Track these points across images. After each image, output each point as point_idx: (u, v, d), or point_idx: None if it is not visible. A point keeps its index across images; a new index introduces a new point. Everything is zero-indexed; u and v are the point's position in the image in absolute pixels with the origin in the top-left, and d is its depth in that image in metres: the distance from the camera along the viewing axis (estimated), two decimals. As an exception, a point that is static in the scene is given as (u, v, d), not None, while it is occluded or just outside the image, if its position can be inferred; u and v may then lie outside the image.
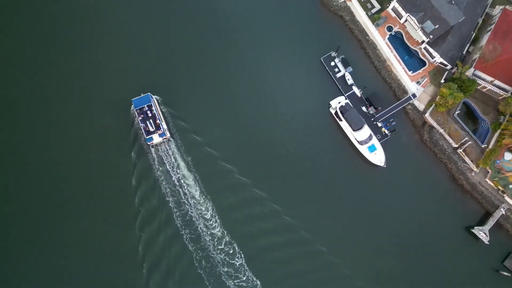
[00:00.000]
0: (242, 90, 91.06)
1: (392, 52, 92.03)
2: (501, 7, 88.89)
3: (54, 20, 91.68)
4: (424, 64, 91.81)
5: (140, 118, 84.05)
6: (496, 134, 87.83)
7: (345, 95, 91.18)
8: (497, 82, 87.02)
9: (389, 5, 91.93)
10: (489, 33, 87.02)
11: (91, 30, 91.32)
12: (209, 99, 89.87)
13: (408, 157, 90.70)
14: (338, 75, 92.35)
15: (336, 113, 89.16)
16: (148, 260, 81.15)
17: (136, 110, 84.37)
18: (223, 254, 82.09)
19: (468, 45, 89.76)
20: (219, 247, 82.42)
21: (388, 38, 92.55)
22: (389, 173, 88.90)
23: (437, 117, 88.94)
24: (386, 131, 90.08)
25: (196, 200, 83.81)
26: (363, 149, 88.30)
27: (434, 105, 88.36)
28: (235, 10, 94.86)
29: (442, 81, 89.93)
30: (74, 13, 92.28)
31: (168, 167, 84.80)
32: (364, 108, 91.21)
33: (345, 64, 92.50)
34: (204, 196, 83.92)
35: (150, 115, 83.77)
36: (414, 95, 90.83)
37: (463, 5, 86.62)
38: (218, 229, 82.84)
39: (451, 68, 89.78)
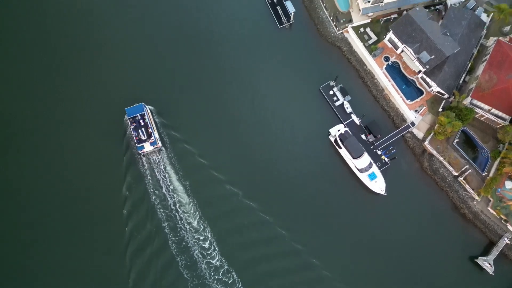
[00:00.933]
0: (240, 112, 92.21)
1: (389, 81, 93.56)
2: (494, 38, 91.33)
3: (51, 31, 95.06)
4: (421, 93, 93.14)
5: (132, 126, 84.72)
6: (496, 162, 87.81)
7: (344, 123, 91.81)
8: (494, 110, 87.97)
9: (386, 36, 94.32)
10: (484, 63, 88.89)
11: (89, 41, 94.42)
12: (205, 114, 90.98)
13: (408, 185, 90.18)
14: (337, 103, 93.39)
15: (335, 140, 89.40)
16: (134, 265, 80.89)
17: (129, 118, 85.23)
18: (200, 249, 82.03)
19: (464, 74, 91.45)
20: (204, 246, 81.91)
21: (386, 68, 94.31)
22: (390, 201, 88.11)
23: (436, 145, 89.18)
24: (386, 159, 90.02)
25: (185, 210, 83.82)
26: (364, 177, 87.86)
27: (433, 133, 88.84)
28: (234, 37, 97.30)
29: (440, 109, 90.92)
30: (72, 24, 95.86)
31: (158, 176, 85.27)
32: (363, 136, 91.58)
33: (344, 93, 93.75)
34: (194, 206, 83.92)
35: (142, 124, 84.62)
36: (412, 123, 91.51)
37: (458, 36, 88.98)
38: (207, 242, 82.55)
39: (448, 97, 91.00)
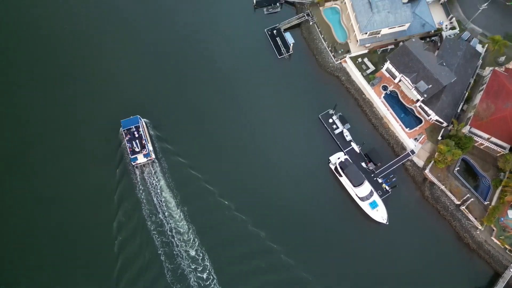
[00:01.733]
0: (239, 135, 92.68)
1: (388, 110, 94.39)
2: (490, 68, 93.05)
3: (47, 44, 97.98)
4: (420, 121, 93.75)
5: (127, 138, 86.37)
6: (498, 191, 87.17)
7: (344, 151, 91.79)
8: (493, 139, 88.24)
9: (383, 66, 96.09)
10: (481, 93, 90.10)
11: (88, 56, 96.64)
12: (201, 133, 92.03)
13: (410, 214, 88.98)
14: (337, 131, 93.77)
15: (336, 168, 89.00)
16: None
17: (124, 130, 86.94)
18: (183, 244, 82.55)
19: (462, 103, 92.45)
20: (190, 254, 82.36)
21: (384, 97, 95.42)
22: (392, 230, 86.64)
23: (437, 174, 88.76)
24: (387, 187, 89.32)
25: (177, 224, 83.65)
26: (365, 206, 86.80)
27: (433, 161, 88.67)
28: (235, 65, 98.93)
29: (439, 138, 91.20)
30: (70, 38, 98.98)
31: (150, 187, 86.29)
32: (363, 164, 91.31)
33: (343, 121, 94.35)
34: (185, 219, 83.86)
35: (137, 135, 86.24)
36: (412, 152, 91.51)
37: (454, 66, 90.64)
38: (194, 251, 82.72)
39: (447, 126, 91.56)
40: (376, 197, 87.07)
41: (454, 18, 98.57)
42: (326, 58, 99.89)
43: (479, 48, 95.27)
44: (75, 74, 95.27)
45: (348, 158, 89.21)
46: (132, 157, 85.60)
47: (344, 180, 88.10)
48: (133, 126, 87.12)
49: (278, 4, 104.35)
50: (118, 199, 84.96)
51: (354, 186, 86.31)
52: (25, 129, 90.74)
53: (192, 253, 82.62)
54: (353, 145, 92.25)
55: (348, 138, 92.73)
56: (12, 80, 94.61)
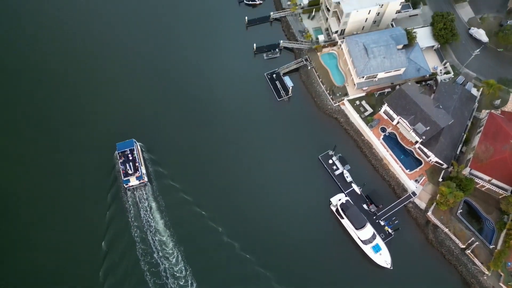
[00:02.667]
0: (238, 174, 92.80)
1: (388, 151, 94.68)
2: (487, 111, 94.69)
3: (48, 70, 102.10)
4: (420, 163, 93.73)
5: (121, 160, 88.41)
6: (503, 234, 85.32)
7: (345, 192, 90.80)
8: (494, 181, 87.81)
9: (381, 108, 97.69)
10: (479, 135, 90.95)
11: (89, 80, 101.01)
12: (197, 163, 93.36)
13: (415, 258, 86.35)
14: (337, 172, 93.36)
15: (337, 210, 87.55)
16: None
17: (118, 153, 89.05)
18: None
19: (460, 145, 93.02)
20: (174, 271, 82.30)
21: (383, 138, 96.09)
22: (396, 275, 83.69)
23: (440, 216, 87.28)
24: (390, 230, 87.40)
25: (164, 245, 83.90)
26: (368, 249, 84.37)
27: (435, 203, 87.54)
28: (234, 106, 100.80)
29: (440, 179, 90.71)
30: (71, 63, 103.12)
31: (141, 210, 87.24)
32: (365, 206, 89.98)
33: (343, 162, 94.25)
34: (173, 243, 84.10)
35: (130, 158, 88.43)
36: (414, 193, 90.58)
37: (451, 109, 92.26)
38: (183, 280, 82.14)
39: (447, 167, 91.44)
40: (379, 240, 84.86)
41: (448, 63, 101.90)
42: (324, 100, 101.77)
43: (474, 91, 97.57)
44: (76, 96, 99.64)
45: (349, 200, 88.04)
46: (125, 179, 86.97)
47: (345, 222, 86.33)
48: (127, 149, 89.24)
49: (277, 49, 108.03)
50: (108, 220, 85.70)
51: (356, 228, 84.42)
52: (20, 148, 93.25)
53: (181, 280, 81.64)
54: (354, 186, 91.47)
55: (349, 179, 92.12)
56: (11, 98, 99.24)
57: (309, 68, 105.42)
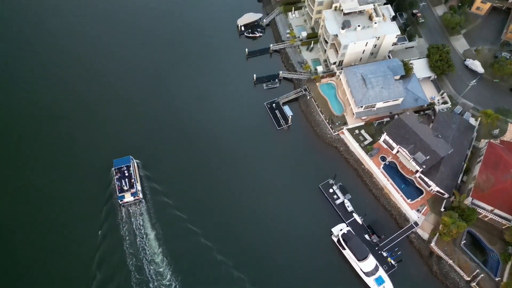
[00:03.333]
0: (236, 202, 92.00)
1: (388, 180, 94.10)
2: (486, 140, 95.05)
3: (46, 85, 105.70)
4: (421, 192, 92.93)
5: (117, 176, 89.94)
6: (508, 266, 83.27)
7: (346, 222, 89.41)
8: (497, 211, 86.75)
9: (380, 137, 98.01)
10: (479, 164, 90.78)
11: (96, 94, 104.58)
12: (195, 185, 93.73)
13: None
14: (338, 201, 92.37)
15: (338, 241, 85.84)
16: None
17: (115, 169, 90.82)
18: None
19: (461, 175, 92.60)
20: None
21: (383, 167, 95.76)
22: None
23: (443, 247, 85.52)
24: (392, 262, 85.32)
25: (156, 262, 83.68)
26: (370, 282, 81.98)
27: (438, 234, 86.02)
28: (234, 134, 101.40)
29: (442, 209, 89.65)
30: (68, 79, 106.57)
31: (134, 226, 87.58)
32: (367, 236, 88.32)
33: (344, 191, 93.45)
34: (164, 259, 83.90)
35: (127, 174, 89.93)
36: (416, 223, 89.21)
37: (450, 138, 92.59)
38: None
39: (449, 197, 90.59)
40: (382, 272, 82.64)
41: (445, 94, 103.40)
42: (324, 129, 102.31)
43: (472, 121, 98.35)
44: (78, 112, 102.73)
45: (351, 230, 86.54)
46: (120, 195, 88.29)
47: (347, 253, 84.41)
48: (124, 166, 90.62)
49: (276, 80, 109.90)
50: (102, 236, 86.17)
51: (359, 260, 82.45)
52: (20, 163, 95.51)
53: None
54: (355, 216, 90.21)
55: (350, 208, 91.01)
56: (10, 114, 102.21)
57: (308, 98, 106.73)
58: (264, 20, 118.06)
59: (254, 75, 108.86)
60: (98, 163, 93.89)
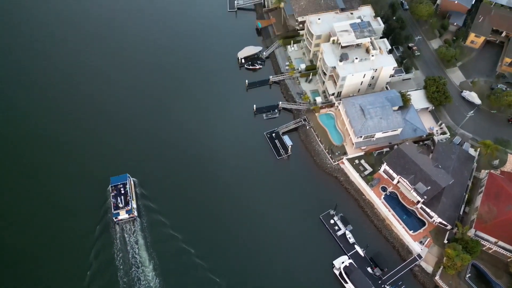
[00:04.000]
0: (235, 231, 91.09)
1: (390, 211, 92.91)
2: (486, 171, 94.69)
3: (47, 101, 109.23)
4: (423, 223, 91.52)
5: (113, 194, 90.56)
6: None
7: (348, 255, 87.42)
8: (501, 243, 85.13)
9: (380, 167, 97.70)
10: (481, 195, 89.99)
11: (97, 112, 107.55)
12: (196, 213, 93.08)
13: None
14: (339, 233, 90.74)
15: (340, 274, 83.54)
16: None
17: (111, 186, 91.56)
18: None
19: (463, 206, 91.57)
20: None
21: (384, 198, 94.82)
22: None
23: (448, 281, 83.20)
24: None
25: (147, 279, 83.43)
26: (374, 317, 79.10)
27: (442, 267, 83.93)
28: (234, 164, 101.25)
29: (445, 241, 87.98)
30: (69, 98, 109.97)
31: (128, 244, 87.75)
32: (369, 269, 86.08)
33: (345, 222, 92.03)
34: (157, 277, 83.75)
35: (122, 192, 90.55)
36: (419, 256, 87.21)
37: (450, 169, 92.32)
38: None
39: (452, 229, 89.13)
40: (385, 307, 79.92)
41: (443, 124, 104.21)
42: (323, 159, 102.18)
43: (471, 151, 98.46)
44: (80, 132, 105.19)
45: (353, 263, 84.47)
46: (115, 212, 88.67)
47: (349, 287, 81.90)
48: (120, 183, 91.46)
49: (276, 110, 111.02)
50: (95, 253, 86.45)
51: (361, 294, 79.89)
52: (15, 178, 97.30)
53: None
54: (357, 248, 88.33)
55: (351, 240, 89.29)
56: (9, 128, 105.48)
57: (307, 127, 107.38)
58: (264, 53, 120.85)
59: (254, 106, 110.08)
60: (96, 180, 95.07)
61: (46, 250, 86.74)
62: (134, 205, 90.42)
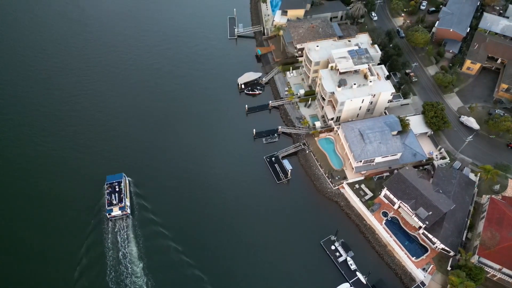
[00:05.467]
0: (233, 260, 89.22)
1: (391, 237, 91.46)
2: (487, 196, 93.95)
3: (45, 101, 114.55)
4: (426, 249, 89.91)
5: (107, 191, 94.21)
6: (524, 331, 77.98)
7: (350, 282, 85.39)
8: (505, 270, 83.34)
9: (381, 192, 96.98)
10: (483, 221, 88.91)
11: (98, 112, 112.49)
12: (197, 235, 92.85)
13: None
14: (340, 259, 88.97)
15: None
16: None
17: (107, 184, 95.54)
18: None
19: (465, 231, 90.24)
20: None
21: (385, 223, 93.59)
22: None
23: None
24: (400, 326, 79.99)
25: (135, 275, 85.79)
26: None
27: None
28: (233, 187, 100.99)
29: (449, 268, 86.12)
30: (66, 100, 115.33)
31: (119, 239, 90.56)
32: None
33: (346, 248, 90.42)
34: (144, 273, 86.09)
35: (117, 189, 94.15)
36: (423, 283, 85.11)
37: (451, 194, 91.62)
38: None
39: (455, 255, 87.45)
40: (389, 338, 77.14)
41: (443, 149, 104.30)
42: (323, 184, 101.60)
43: (472, 176, 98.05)
44: (81, 133, 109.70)
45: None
46: (108, 208, 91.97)
47: (352, 316, 79.47)
48: (115, 181, 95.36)
49: (276, 134, 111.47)
50: (86, 247, 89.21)
51: (364, 323, 77.33)
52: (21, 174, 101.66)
53: None
54: (359, 275, 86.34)
55: (353, 267, 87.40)
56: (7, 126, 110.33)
57: (307, 152, 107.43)
58: (264, 79, 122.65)
59: (254, 130, 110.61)
60: (93, 178, 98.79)
61: (39, 243, 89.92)
62: (128, 203, 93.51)
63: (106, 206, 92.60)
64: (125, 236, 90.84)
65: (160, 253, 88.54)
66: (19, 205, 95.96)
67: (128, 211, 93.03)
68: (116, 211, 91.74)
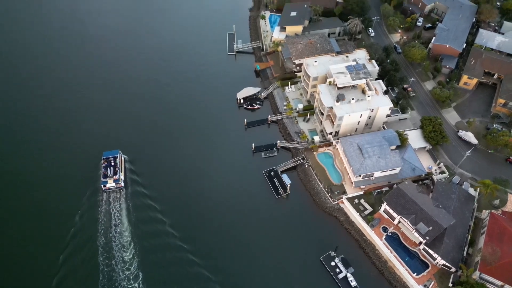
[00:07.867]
0: (233, 274, 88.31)
1: (392, 252, 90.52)
2: (487, 211, 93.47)
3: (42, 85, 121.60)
4: (427, 265, 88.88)
5: (103, 165, 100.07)
6: None
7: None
8: (507, 286, 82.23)
9: (380, 207, 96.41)
10: (483, 236, 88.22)
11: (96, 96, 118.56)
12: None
13: None
14: (340, 276, 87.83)
15: (343, 320, 79.78)
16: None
17: (103, 159, 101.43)
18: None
19: (466, 247, 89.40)
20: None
21: (385, 239, 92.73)
22: None
23: (455, 327, 79.31)
24: None
25: (123, 240, 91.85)
26: None
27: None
28: (232, 200, 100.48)
29: (450, 284, 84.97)
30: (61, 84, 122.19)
31: (111, 209, 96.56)
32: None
33: (346, 264, 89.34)
34: (132, 240, 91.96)
35: (112, 164, 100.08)
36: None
37: (451, 209, 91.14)
38: (133, 269, 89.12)
39: (456, 271, 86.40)
40: None
41: (441, 164, 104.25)
42: (323, 198, 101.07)
43: (471, 191, 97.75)
44: (82, 113, 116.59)
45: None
46: (103, 180, 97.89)
47: (353, 334, 77.90)
48: (111, 156, 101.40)
49: (274, 149, 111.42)
50: (80, 214, 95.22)
51: None
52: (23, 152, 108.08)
53: (130, 271, 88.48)
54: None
55: (353, 283, 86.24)
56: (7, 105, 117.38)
57: (306, 166, 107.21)
58: (262, 94, 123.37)
59: (253, 144, 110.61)
60: (91, 154, 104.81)
61: (34, 211, 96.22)
62: (122, 177, 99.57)
63: (102, 178, 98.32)
64: (118, 206, 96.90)
65: (147, 223, 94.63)
66: (20, 170, 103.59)
67: (122, 184, 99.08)
68: (110, 183, 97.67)
